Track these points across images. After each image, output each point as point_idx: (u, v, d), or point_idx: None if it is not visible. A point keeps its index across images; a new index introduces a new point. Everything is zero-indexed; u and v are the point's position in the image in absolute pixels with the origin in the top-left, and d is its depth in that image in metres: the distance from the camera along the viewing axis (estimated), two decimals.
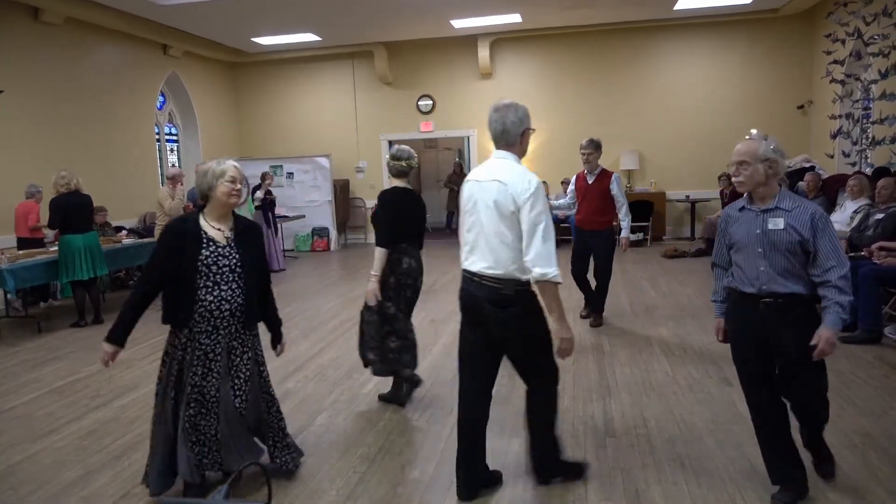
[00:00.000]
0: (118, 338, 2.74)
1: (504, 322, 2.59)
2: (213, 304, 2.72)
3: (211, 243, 2.75)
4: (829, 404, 2.68)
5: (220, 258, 2.75)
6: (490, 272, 2.57)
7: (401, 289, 3.73)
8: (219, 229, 2.80)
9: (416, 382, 3.93)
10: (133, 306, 2.73)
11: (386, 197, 3.75)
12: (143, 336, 5.93)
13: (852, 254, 5.40)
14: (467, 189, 2.70)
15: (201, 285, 2.71)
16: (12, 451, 3.49)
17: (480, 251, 2.61)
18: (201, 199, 2.84)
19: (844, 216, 5.93)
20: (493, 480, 2.89)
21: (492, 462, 3.05)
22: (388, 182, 3.88)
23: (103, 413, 4.02)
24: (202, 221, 2.79)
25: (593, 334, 5.35)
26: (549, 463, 2.86)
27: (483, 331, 2.67)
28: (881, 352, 4.55)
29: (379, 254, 3.64)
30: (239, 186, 2.77)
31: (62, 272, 6.27)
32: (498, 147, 2.65)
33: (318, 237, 11.84)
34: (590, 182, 5.51)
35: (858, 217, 5.67)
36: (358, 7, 8.98)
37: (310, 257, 11.09)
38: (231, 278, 2.76)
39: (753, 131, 3.18)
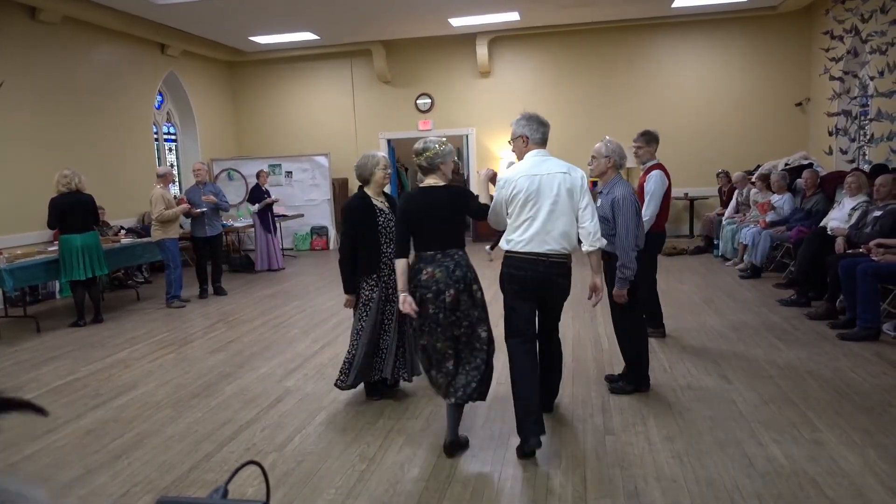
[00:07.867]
0: (353, 287, 3.79)
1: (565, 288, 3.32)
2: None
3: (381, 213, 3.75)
4: None
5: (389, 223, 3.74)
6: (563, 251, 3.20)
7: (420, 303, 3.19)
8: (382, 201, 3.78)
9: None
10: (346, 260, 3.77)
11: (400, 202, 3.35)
12: (143, 336, 5.93)
13: (850, 251, 5.41)
14: (525, 182, 3.21)
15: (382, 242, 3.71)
16: (11, 451, 3.49)
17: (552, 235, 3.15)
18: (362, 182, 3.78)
19: (843, 213, 5.94)
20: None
21: (490, 461, 3.04)
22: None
23: (102, 412, 4.02)
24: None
25: (592, 330, 5.36)
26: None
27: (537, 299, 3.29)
28: (879, 348, 4.56)
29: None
30: (390, 171, 3.76)
31: (62, 271, 6.28)
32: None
33: (318, 236, 11.84)
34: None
35: (856, 214, 5.68)
36: (356, 6, 8.97)
37: (309, 256, 11.09)
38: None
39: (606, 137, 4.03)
